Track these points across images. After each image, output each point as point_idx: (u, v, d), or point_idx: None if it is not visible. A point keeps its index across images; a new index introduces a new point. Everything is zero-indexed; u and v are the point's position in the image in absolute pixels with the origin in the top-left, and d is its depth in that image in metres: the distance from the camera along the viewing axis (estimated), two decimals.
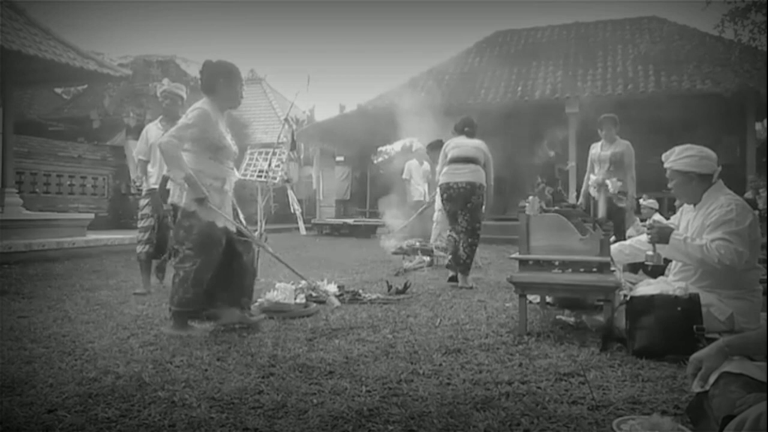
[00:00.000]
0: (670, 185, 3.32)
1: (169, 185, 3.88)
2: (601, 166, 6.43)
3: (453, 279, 5.73)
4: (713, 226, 3.05)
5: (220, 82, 3.71)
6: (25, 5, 9.93)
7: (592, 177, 6.55)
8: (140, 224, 5.34)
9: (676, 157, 3.21)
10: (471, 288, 5.44)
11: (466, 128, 6.02)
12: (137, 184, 5.45)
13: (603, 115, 6.54)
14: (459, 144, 5.85)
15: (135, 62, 16.19)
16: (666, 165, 3.26)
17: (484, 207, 5.72)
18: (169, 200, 3.77)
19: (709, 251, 2.99)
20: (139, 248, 5.34)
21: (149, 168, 5.29)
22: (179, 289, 3.56)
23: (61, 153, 13.93)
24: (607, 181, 6.10)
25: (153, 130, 5.31)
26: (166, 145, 3.52)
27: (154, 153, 5.12)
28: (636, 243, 3.71)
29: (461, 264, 5.65)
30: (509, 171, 13.48)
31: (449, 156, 5.78)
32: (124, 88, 15.53)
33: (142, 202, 5.36)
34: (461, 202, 5.63)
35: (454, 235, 5.78)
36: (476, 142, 5.88)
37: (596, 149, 6.54)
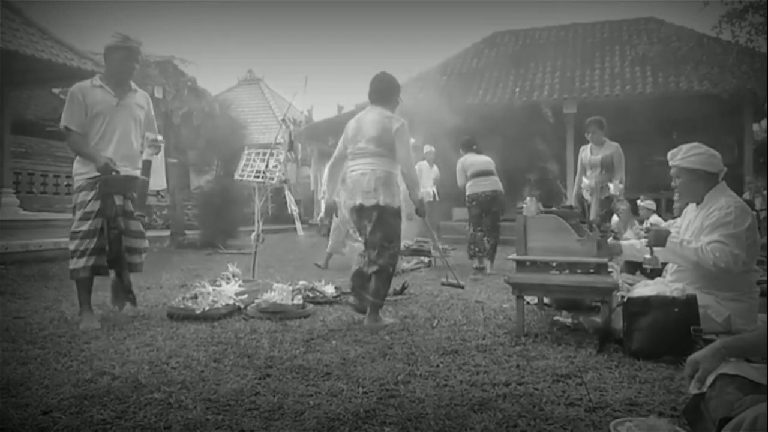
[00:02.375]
0: (674, 183, 3.28)
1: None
2: (593, 171, 6.38)
3: (479, 269, 6.90)
4: (711, 228, 3.05)
5: (395, 96, 4.18)
6: (23, 5, 9.92)
7: (585, 181, 6.52)
8: (79, 227, 3.82)
9: (684, 155, 3.18)
10: (493, 273, 6.61)
11: (474, 146, 7.32)
12: (114, 165, 3.83)
13: (589, 119, 6.48)
14: (475, 161, 7.17)
15: None
16: (673, 163, 3.22)
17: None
18: (381, 201, 3.87)
19: (704, 254, 2.99)
20: (77, 262, 3.83)
21: (106, 147, 3.89)
22: (386, 283, 3.97)
23: (58, 153, 13.91)
24: (610, 184, 6.21)
25: (97, 95, 3.92)
26: (415, 168, 4.15)
27: (109, 126, 3.90)
28: (637, 244, 3.68)
29: (488, 252, 6.96)
30: (507, 171, 13.47)
31: (471, 171, 7.09)
32: None
33: (83, 195, 3.85)
34: (486, 207, 7.03)
35: (479, 233, 7.04)
36: (485, 158, 7.21)
37: (586, 152, 6.48)
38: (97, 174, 3.84)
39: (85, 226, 3.82)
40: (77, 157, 3.97)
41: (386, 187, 3.88)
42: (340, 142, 4.19)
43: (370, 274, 3.92)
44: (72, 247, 3.86)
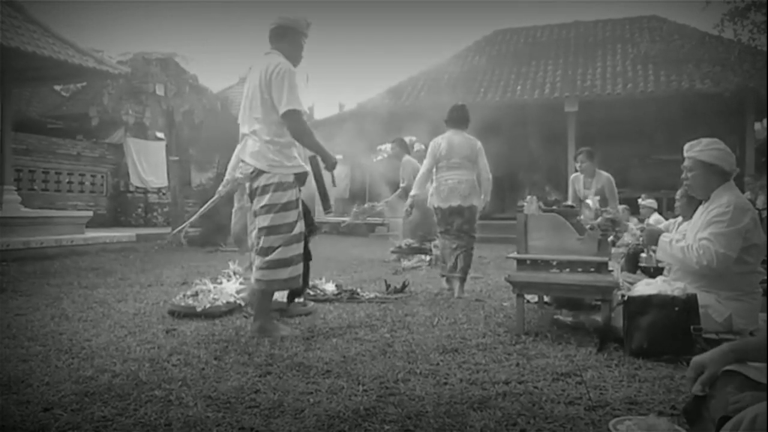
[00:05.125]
0: (686, 175, 3.23)
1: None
2: (589, 206, 6.34)
3: None
4: (705, 224, 3.05)
5: (468, 121, 5.36)
6: (24, 3, 9.91)
7: (586, 212, 6.43)
8: (299, 229, 3.51)
9: (703, 148, 3.15)
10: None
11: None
12: None
13: (579, 149, 6.48)
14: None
15: (134, 60, 16.14)
16: (690, 154, 3.18)
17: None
18: (474, 202, 5.13)
19: (689, 252, 3.00)
20: (297, 269, 3.50)
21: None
22: (471, 259, 5.23)
23: (59, 150, 13.91)
24: (588, 201, 6.18)
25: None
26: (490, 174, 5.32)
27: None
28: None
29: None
30: (507, 170, 13.48)
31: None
32: (123, 85, 15.50)
33: (295, 193, 3.52)
34: None
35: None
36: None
37: (579, 185, 6.42)
38: (303, 171, 3.59)
39: (301, 228, 3.51)
40: (276, 148, 3.46)
41: (475, 192, 5.17)
42: (429, 158, 5.27)
43: (458, 255, 5.09)
44: (294, 252, 3.46)
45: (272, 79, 3.40)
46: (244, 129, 3.57)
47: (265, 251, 3.46)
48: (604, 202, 6.19)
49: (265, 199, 3.44)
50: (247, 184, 3.55)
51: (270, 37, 3.61)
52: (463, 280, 5.09)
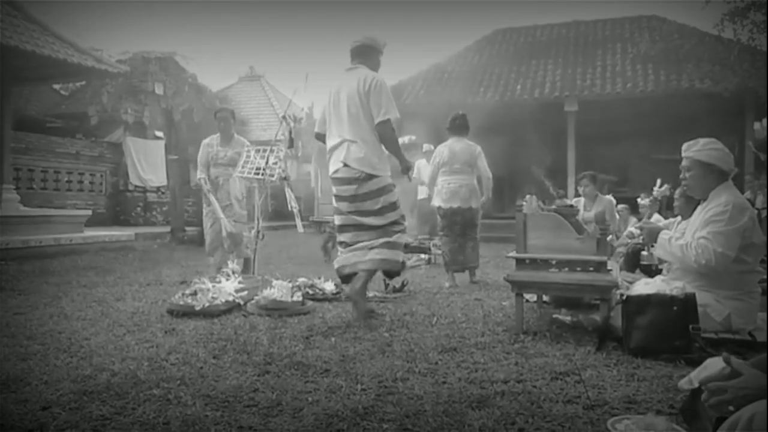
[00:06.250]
0: (684, 176, 3.23)
1: None
2: (588, 226, 6.40)
3: None
4: (704, 223, 3.05)
5: (468, 129, 5.83)
6: (24, 3, 9.90)
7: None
8: (405, 223, 4.16)
9: (701, 148, 3.15)
10: None
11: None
12: None
13: (582, 174, 6.60)
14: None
15: (134, 59, 16.14)
16: (687, 154, 3.18)
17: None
18: (473, 205, 5.69)
19: (688, 251, 3.01)
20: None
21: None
22: (477, 250, 5.91)
23: (58, 149, 13.89)
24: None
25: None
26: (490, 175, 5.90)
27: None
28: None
29: None
30: (507, 169, 13.47)
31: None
32: (122, 84, 15.50)
33: (394, 194, 4.01)
34: None
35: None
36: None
37: (580, 206, 6.51)
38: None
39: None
40: (379, 153, 3.95)
41: (474, 195, 5.72)
42: (432, 166, 5.85)
43: (467, 248, 5.70)
44: (404, 240, 4.10)
45: (371, 89, 3.86)
46: (345, 135, 3.91)
47: (387, 233, 3.93)
48: (603, 224, 6.28)
49: (381, 201, 3.92)
50: (353, 187, 3.90)
51: (352, 54, 4.11)
52: (474, 268, 5.82)
